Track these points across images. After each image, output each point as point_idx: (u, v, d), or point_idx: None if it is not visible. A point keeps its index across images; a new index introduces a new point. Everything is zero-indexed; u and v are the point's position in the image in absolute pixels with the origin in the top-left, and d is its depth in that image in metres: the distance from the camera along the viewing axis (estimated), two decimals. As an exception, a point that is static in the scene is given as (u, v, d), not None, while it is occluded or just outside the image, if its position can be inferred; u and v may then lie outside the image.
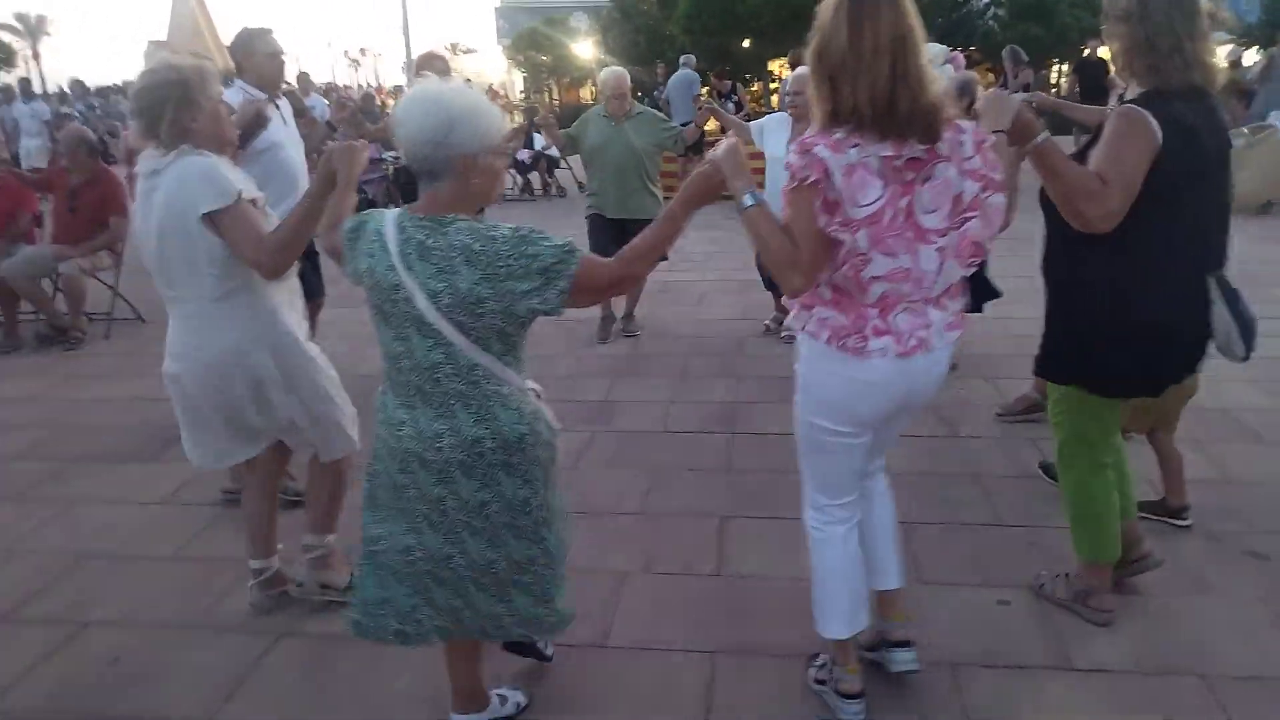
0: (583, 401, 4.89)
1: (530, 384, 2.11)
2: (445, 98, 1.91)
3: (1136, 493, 2.99)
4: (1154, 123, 2.29)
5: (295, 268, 2.82)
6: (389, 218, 1.99)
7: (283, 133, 4.23)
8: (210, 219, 2.55)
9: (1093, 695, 2.49)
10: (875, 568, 2.51)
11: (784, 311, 6.04)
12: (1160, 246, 2.40)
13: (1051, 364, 2.70)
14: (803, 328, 2.22)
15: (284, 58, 4.42)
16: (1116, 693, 2.50)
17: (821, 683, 2.52)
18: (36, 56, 64.94)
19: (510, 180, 13.47)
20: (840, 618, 2.40)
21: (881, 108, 1.94)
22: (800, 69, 5.60)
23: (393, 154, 10.64)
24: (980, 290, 4.50)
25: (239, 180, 2.63)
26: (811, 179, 1.97)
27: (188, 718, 2.52)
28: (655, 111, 6.10)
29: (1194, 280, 2.48)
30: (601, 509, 3.66)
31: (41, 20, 67.62)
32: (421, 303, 1.91)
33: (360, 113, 5.42)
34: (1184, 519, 3.31)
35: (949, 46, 14.91)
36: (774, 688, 2.58)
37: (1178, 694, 2.48)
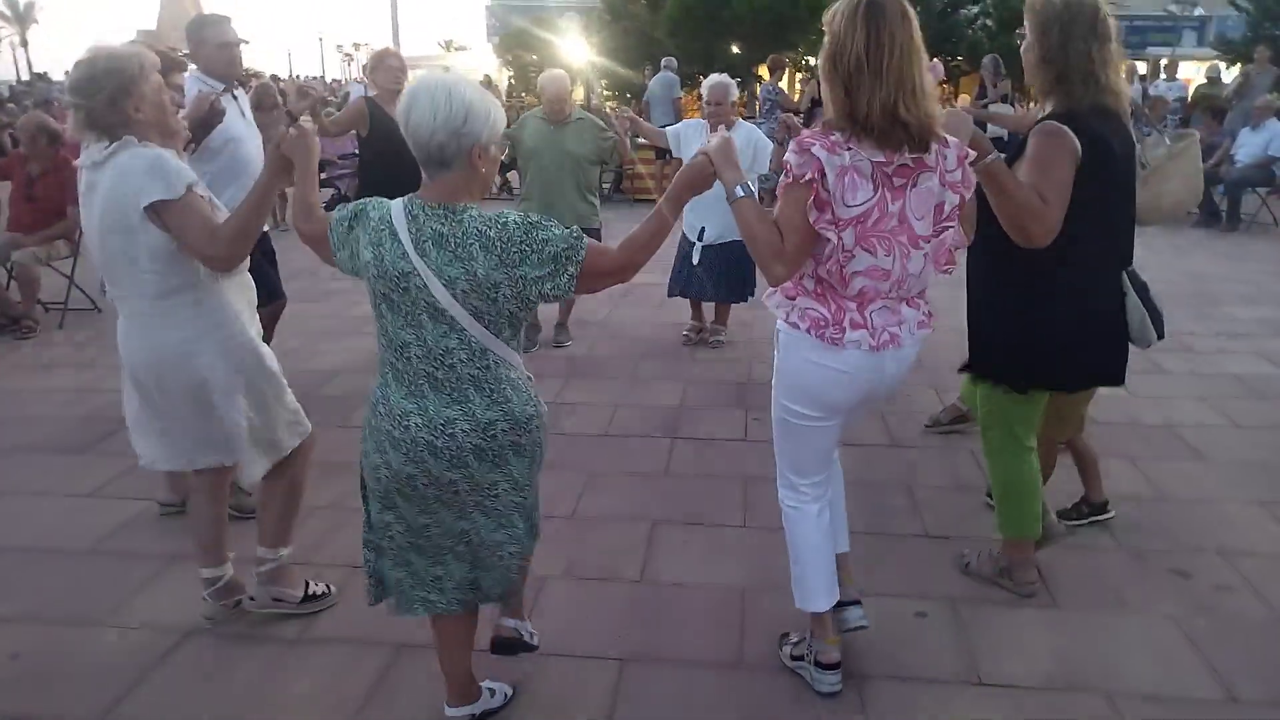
0: (529, 403, 4.86)
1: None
2: (458, 87, 1.95)
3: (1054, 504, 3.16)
4: (1073, 137, 2.47)
5: (246, 262, 2.75)
6: (396, 206, 2.01)
7: (241, 126, 4.14)
8: (156, 212, 2.46)
9: (998, 711, 2.47)
10: (837, 537, 2.65)
11: (701, 321, 6.01)
12: (1084, 248, 2.57)
13: (985, 365, 2.86)
14: (785, 317, 2.32)
15: (237, 48, 4.34)
16: (1021, 709, 2.48)
17: (798, 659, 2.61)
18: (25, 44, 64.48)
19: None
20: (820, 591, 2.52)
21: (889, 116, 2.04)
22: (716, 76, 5.54)
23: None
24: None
25: (187, 171, 2.53)
26: (807, 177, 2.08)
27: (76, 716, 2.48)
28: (596, 119, 6.00)
29: (1111, 276, 2.74)
30: (531, 512, 3.62)
31: (30, 8, 67.13)
32: (437, 289, 1.95)
33: (322, 104, 5.35)
34: (1108, 511, 3.44)
35: (934, 56, 14.98)
36: (678, 695, 2.56)
37: (1082, 711, 2.46)
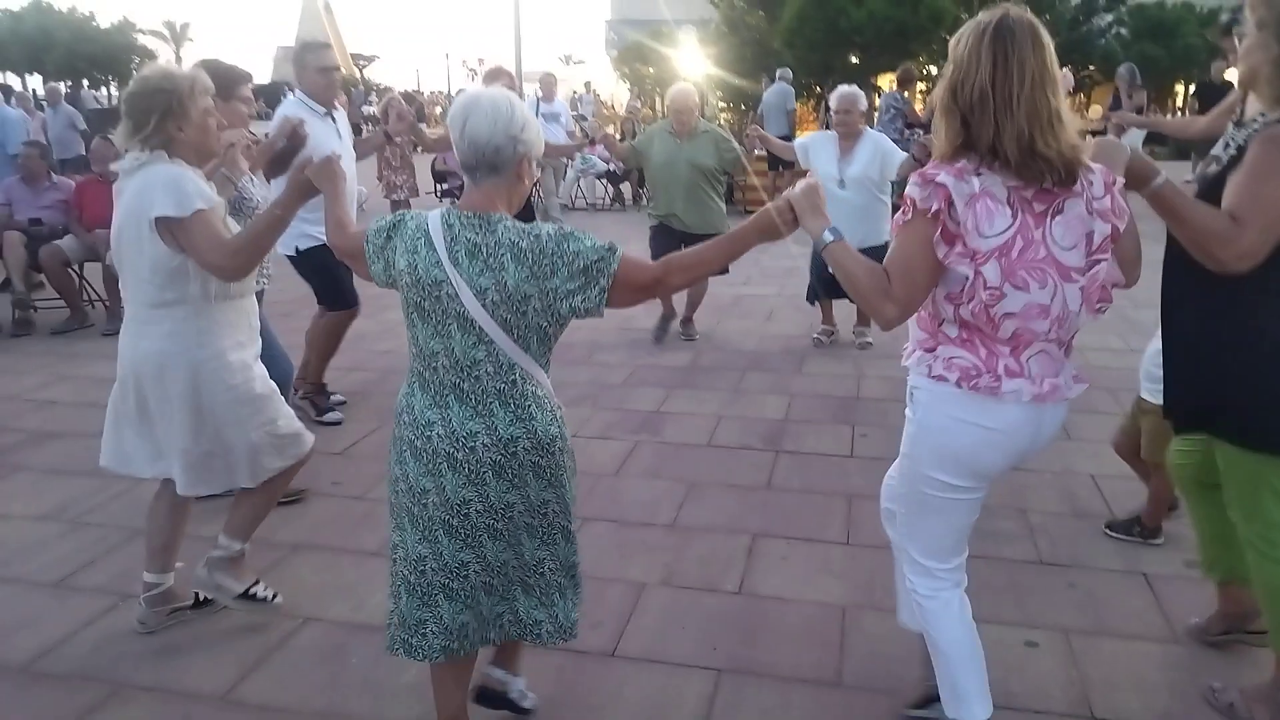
0: (634, 411, 4.92)
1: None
2: (518, 101, 2.01)
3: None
4: None
5: (254, 285, 2.87)
6: (434, 216, 2.05)
7: (339, 147, 4.31)
8: (166, 226, 2.59)
9: (1109, 747, 2.37)
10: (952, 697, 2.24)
11: (832, 324, 6.01)
12: None
13: (1260, 430, 2.25)
14: (928, 372, 2.05)
15: (335, 73, 4.55)
16: (1136, 747, 2.37)
17: None
18: (179, 61, 69.11)
19: (601, 189, 13.65)
20: (974, 695, 2.20)
21: (1025, 150, 1.84)
22: (845, 87, 5.51)
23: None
24: None
25: (208, 192, 2.67)
26: (934, 209, 1.88)
27: (204, 692, 2.63)
28: (721, 131, 6.11)
29: None
30: (633, 519, 3.66)
31: (185, 27, 71.92)
32: (467, 299, 1.96)
33: (416, 125, 5.58)
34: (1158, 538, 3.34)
35: (1065, 65, 14.43)
36: (774, 710, 2.54)
37: (1202, 754, 2.33)
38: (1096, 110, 15.85)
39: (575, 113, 15.96)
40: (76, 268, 7.08)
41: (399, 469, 2.13)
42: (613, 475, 4.11)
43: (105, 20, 43.26)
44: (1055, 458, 4.10)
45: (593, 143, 9.36)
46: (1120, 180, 1.99)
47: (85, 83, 37.67)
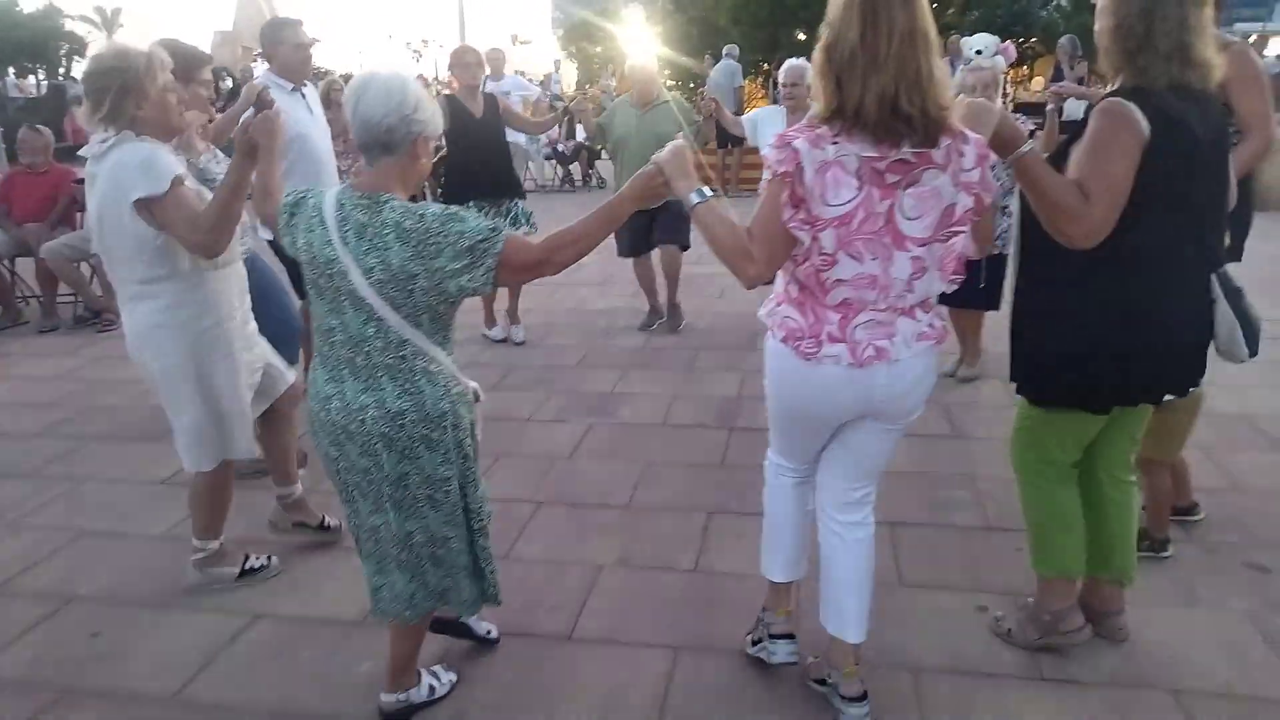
0: (588, 393, 4.90)
1: (475, 387, 2.25)
2: (410, 80, 2.04)
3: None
4: (1139, 116, 2.09)
5: (238, 252, 2.90)
6: (329, 195, 2.08)
7: (308, 122, 4.31)
8: (144, 206, 2.61)
9: (1058, 706, 2.42)
10: (833, 615, 2.38)
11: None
12: (1156, 245, 2.22)
13: (1040, 383, 2.49)
14: (768, 322, 2.20)
15: (310, 49, 4.50)
16: (1083, 705, 2.42)
17: (758, 643, 2.58)
18: (111, 46, 66.92)
19: (551, 171, 13.55)
20: (778, 562, 2.49)
21: (887, 109, 1.86)
22: (793, 60, 5.53)
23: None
24: (998, 288, 4.44)
25: (175, 166, 2.67)
26: (782, 171, 1.93)
27: (151, 694, 2.58)
28: (683, 100, 6.08)
29: (1193, 278, 2.32)
30: (588, 501, 3.66)
31: (116, 12, 69.65)
32: (356, 277, 2.00)
33: None
34: (1196, 514, 3.30)
35: (1007, 38, 14.61)
36: (731, 682, 2.55)
37: (1146, 709, 2.39)
38: (1039, 82, 16.09)
39: (548, 92, 15.84)
40: (8, 263, 6.85)
41: (315, 439, 2.24)
42: (567, 458, 4.10)
43: (30, 5, 41.75)
44: (1003, 425, 4.17)
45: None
46: (993, 156, 2.03)
47: (11, 71, 36.39)
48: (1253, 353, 2.40)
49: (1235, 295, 2.36)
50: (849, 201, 1.93)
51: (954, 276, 2.06)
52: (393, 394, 2.07)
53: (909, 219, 1.96)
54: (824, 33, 1.97)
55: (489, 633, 2.72)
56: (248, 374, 2.98)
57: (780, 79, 5.56)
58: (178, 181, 2.63)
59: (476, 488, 2.27)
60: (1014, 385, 2.55)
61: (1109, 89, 2.26)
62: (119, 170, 2.61)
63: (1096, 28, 2.25)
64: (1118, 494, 2.60)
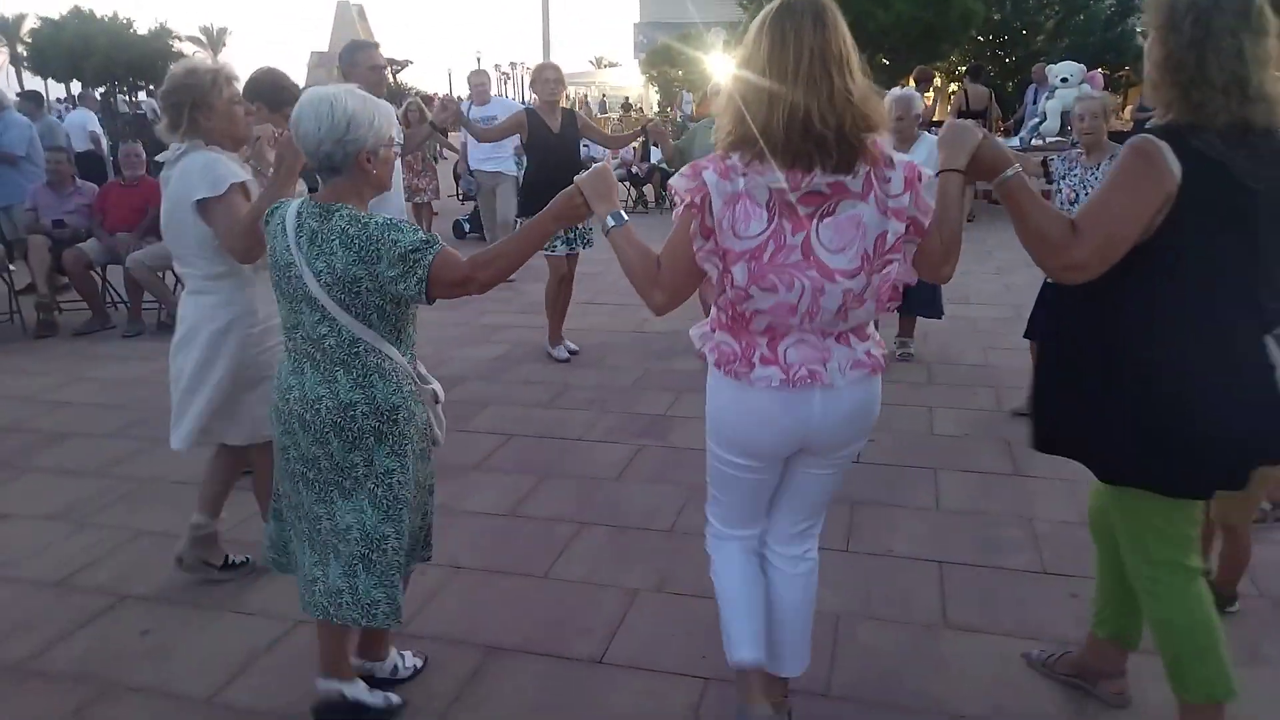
0: (640, 414, 4.88)
1: (434, 387, 2.35)
2: (340, 98, 2.12)
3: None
4: (1171, 159, 1.89)
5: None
6: (293, 206, 2.23)
7: None
8: (202, 208, 2.84)
9: (1102, 765, 2.30)
10: (772, 650, 2.31)
11: (910, 335, 5.84)
12: (1178, 308, 1.99)
13: (1116, 462, 2.14)
14: (704, 351, 2.15)
15: (385, 70, 4.69)
16: (1129, 764, 2.30)
17: None
18: (215, 65, 70.09)
19: (624, 192, 13.65)
20: (742, 639, 2.25)
21: (797, 131, 1.81)
22: (899, 91, 5.44)
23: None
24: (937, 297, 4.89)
25: (237, 172, 2.87)
26: (689, 202, 1.90)
27: (190, 694, 2.64)
28: None
29: (1238, 344, 2.00)
30: (631, 524, 3.64)
31: (222, 32, 73.03)
32: (309, 280, 2.15)
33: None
34: (1232, 606, 2.88)
35: (1098, 66, 14.21)
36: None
37: (1199, 773, 2.25)
38: (1129, 111, 15.60)
39: (679, 111, 15.88)
40: (99, 270, 7.18)
41: (273, 428, 2.35)
42: (614, 480, 4.09)
43: (143, 26, 43.95)
44: (1063, 464, 4.01)
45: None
46: (928, 174, 1.95)
47: (123, 88, 38.36)
48: None
49: None
50: (759, 234, 1.89)
51: (889, 304, 2.01)
52: (346, 386, 2.19)
53: (831, 251, 1.90)
54: (736, 56, 1.94)
55: (395, 671, 2.63)
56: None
57: (889, 110, 5.44)
58: (235, 188, 2.82)
59: (419, 491, 2.37)
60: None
61: (1152, 122, 2.05)
62: (186, 174, 2.85)
63: (1146, 61, 2.05)
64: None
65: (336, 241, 2.11)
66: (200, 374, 2.99)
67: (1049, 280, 4.48)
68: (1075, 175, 4.45)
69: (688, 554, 3.38)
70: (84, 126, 12.27)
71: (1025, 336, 4.85)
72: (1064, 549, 3.33)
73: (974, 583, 3.15)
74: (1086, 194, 4.31)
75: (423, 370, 2.38)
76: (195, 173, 2.83)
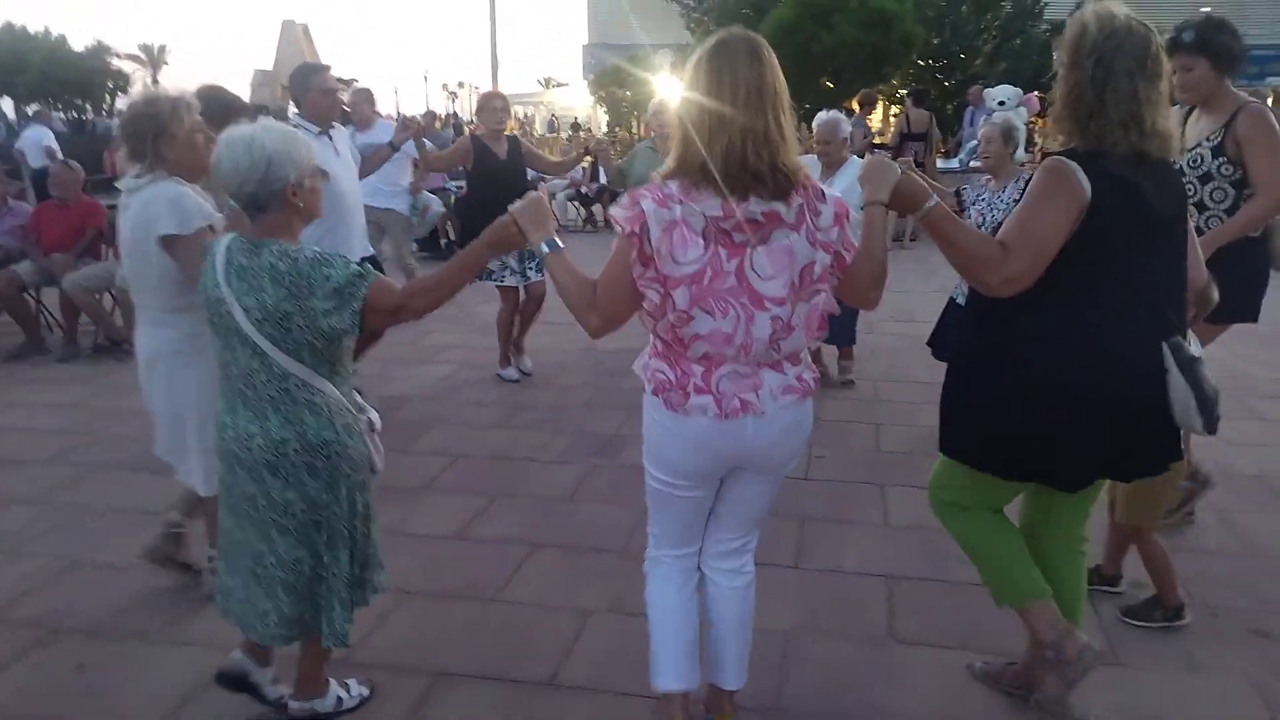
0: (592, 434, 4.88)
1: (370, 415, 2.35)
2: (257, 139, 2.14)
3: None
4: (1080, 177, 2.05)
5: None
6: (223, 242, 2.24)
7: (335, 164, 4.40)
8: (168, 243, 2.75)
9: (1048, 774, 2.34)
10: (714, 664, 2.40)
11: (850, 359, 5.89)
12: (1082, 312, 2.12)
13: (967, 443, 2.34)
14: (642, 376, 2.17)
15: (337, 94, 4.66)
16: (1074, 773, 2.34)
17: None
18: (156, 84, 68.68)
19: (574, 211, 13.67)
20: (668, 667, 2.31)
21: (734, 164, 1.89)
22: (825, 115, 5.48)
23: (456, 184, 10.89)
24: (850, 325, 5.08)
25: (207, 209, 2.83)
26: (628, 230, 1.94)
27: (130, 728, 2.57)
28: None
29: (1133, 348, 2.14)
30: (583, 545, 3.63)
31: (162, 50, 71.67)
32: (239, 315, 2.15)
33: (421, 135, 5.62)
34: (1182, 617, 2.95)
35: (1033, 90, 14.60)
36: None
37: (1140, 779, 2.31)
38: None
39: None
40: (33, 292, 6.98)
41: (218, 463, 2.36)
42: (567, 501, 4.08)
43: (79, 44, 42.87)
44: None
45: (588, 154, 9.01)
46: (852, 212, 2.05)
47: (58, 106, 37.40)
48: (1208, 425, 2.16)
49: (1189, 365, 2.15)
50: (697, 260, 1.94)
51: (819, 334, 2.09)
52: (276, 424, 2.19)
53: (763, 278, 1.96)
54: (679, 89, 2.00)
55: (281, 699, 2.58)
56: None
57: (814, 133, 5.51)
58: (205, 229, 2.77)
59: (362, 523, 2.36)
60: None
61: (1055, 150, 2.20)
62: (151, 205, 2.79)
63: (1056, 97, 2.19)
64: (1067, 566, 2.47)
65: (266, 278, 2.12)
66: (173, 407, 2.95)
67: (955, 299, 4.66)
68: (984, 200, 4.63)
69: (641, 575, 3.36)
70: (40, 143, 11.99)
71: (935, 356, 4.86)
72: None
73: (922, 597, 3.19)
74: (994, 216, 4.46)
75: (359, 399, 2.37)
76: (161, 205, 2.77)
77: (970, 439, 2.32)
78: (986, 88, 13.00)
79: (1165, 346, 2.14)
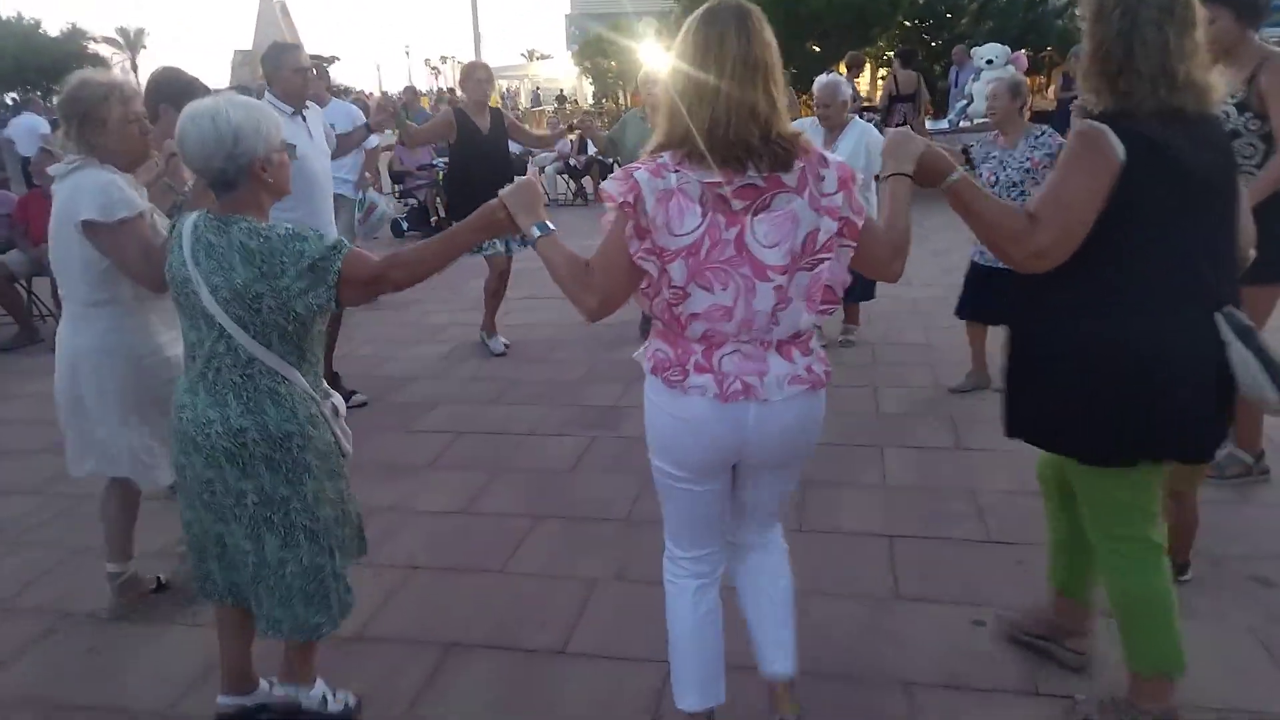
0: (590, 406, 4.90)
1: (334, 401, 2.28)
2: (222, 112, 2.04)
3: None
4: (1114, 141, 1.96)
5: None
6: (190, 219, 2.15)
7: (307, 146, 4.34)
8: (92, 230, 2.66)
9: (1053, 723, 2.38)
10: (762, 652, 2.31)
11: (854, 323, 5.91)
12: (1125, 282, 2.05)
13: (1049, 430, 2.25)
14: (643, 357, 2.11)
15: (309, 73, 4.58)
16: (1079, 721, 2.38)
17: None
18: (135, 69, 67.91)
19: (563, 185, 13.61)
20: (689, 685, 2.22)
21: (721, 136, 1.82)
22: (825, 78, 5.44)
23: (444, 160, 10.84)
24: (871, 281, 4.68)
25: (134, 200, 2.71)
26: (622, 202, 1.87)
27: (145, 710, 2.59)
28: None
29: (1189, 315, 2.05)
30: (586, 515, 3.65)
31: (140, 33, 70.74)
32: (205, 296, 2.07)
33: (402, 113, 5.57)
34: (1185, 575, 2.95)
35: (1022, 48, 14.52)
36: (726, 698, 2.53)
37: (1143, 725, 2.35)
38: (1053, 90, 15.99)
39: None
40: (24, 283, 6.94)
41: (172, 445, 2.29)
42: (568, 472, 4.10)
43: (53, 28, 42.22)
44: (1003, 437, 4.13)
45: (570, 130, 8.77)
46: (859, 176, 1.99)
47: (37, 92, 36.98)
48: None
49: (1246, 334, 2.04)
50: (694, 230, 1.86)
51: (824, 307, 1.98)
52: (236, 411, 2.11)
53: (765, 246, 1.88)
54: (669, 63, 1.95)
55: (324, 703, 2.50)
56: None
57: (815, 97, 5.46)
58: (133, 219, 2.66)
59: (333, 507, 2.27)
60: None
61: (1091, 112, 2.12)
62: (75, 192, 2.68)
63: (1083, 56, 2.12)
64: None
65: (237, 256, 2.04)
66: (100, 410, 2.83)
67: (977, 262, 4.62)
68: (994, 158, 4.57)
69: (645, 542, 3.40)
70: (34, 131, 11.87)
71: (957, 315, 4.93)
72: (1008, 518, 3.43)
73: (923, 555, 3.22)
74: (1005, 175, 4.42)
75: (324, 385, 2.30)
76: (86, 192, 2.66)
77: (1101, 433, 2.12)
78: (973, 46, 12.91)
79: (1218, 317, 2.04)
